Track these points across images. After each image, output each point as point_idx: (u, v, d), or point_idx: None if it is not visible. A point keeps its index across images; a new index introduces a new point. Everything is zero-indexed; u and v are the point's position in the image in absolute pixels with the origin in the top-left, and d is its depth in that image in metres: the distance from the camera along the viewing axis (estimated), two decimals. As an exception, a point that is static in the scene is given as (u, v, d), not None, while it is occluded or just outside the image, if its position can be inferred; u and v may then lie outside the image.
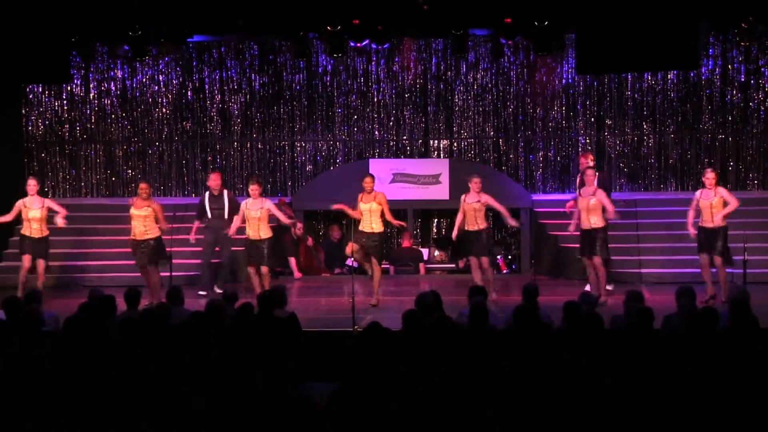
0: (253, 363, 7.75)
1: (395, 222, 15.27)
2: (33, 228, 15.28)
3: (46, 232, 15.41)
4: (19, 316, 9.70)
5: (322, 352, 11.20)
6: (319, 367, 9.96)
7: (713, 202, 14.43)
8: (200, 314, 9.53)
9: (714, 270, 14.59)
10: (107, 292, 10.90)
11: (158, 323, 9.33)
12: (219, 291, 15.39)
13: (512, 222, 15.65)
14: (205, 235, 16.34)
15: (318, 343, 11.59)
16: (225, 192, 16.48)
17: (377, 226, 14.82)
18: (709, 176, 14.62)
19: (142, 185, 15.37)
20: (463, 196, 15.24)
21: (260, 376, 7.23)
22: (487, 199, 15.08)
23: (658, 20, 15.84)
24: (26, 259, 15.24)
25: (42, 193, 20.53)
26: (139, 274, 15.56)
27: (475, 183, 15.12)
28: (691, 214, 14.74)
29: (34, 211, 15.29)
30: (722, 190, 14.70)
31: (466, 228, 15.14)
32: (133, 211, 15.20)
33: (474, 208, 15.03)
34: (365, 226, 14.85)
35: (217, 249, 16.43)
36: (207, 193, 16.46)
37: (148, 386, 7.12)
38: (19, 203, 15.40)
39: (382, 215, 14.84)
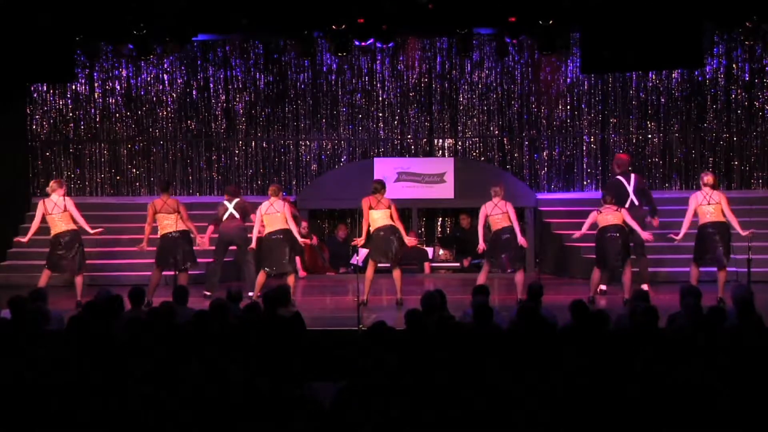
0: (258, 362, 7.77)
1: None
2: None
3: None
4: (25, 315, 9.73)
5: (327, 351, 11.20)
6: (324, 366, 9.96)
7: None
8: (204, 313, 9.56)
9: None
10: (112, 292, 10.93)
11: (164, 322, 9.35)
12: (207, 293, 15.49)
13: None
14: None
15: (322, 342, 11.59)
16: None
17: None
18: (707, 179, 14.74)
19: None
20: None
21: (265, 376, 7.24)
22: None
23: (663, 19, 15.84)
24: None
25: (44, 193, 20.68)
26: (141, 273, 15.56)
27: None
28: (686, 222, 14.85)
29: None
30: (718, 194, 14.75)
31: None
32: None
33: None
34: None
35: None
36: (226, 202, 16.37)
37: (151, 385, 7.14)
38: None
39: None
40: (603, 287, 15.42)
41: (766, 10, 16.85)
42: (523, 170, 20.66)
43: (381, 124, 20.89)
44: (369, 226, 14.79)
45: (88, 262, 17.72)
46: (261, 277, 14.86)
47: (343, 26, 17.19)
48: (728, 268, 15.45)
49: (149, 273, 15.49)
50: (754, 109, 20.18)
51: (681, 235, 14.77)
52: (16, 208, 19.12)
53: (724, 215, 14.61)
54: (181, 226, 15.22)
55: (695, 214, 14.74)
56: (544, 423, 6.53)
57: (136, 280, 15.19)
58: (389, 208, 14.87)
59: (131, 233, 17.26)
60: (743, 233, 14.61)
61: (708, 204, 14.58)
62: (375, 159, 19.85)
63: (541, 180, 20.68)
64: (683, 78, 20.29)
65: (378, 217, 14.82)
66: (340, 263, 19.38)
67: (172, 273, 15.42)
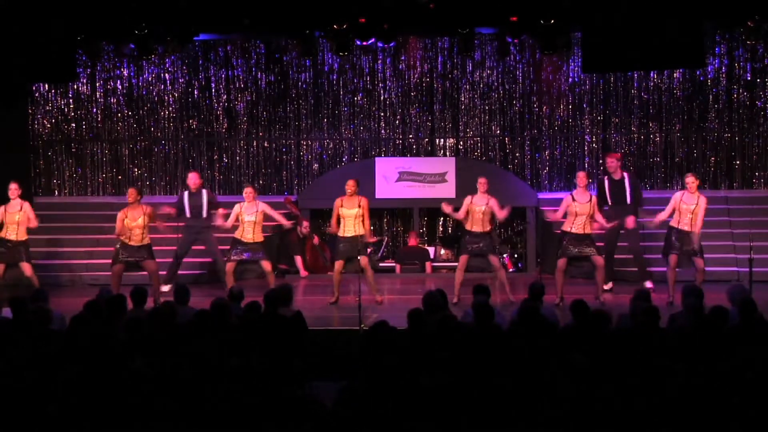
0: (259, 362, 7.76)
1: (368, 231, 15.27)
2: (9, 231, 15.19)
3: (23, 237, 15.25)
4: (27, 315, 9.73)
5: (328, 351, 11.21)
6: (325, 366, 9.96)
7: (693, 208, 14.38)
8: (205, 313, 9.56)
9: (679, 270, 14.64)
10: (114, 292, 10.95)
11: (165, 322, 9.35)
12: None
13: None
14: (184, 233, 16.28)
15: (324, 341, 11.60)
16: (204, 191, 16.40)
17: (361, 229, 14.93)
18: (689, 180, 14.61)
19: (131, 190, 15.34)
20: (469, 198, 15.10)
21: (266, 375, 7.24)
22: (493, 203, 15.00)
23: (664, 18, 15.83)
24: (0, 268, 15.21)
25: (48, 191, 20.67)
26: (143, 273, 15.52)
27: (481, 184, 15.04)
28: (665, 213, 14.67)
29: (15, 215, 15.17)
30: (703, 199, 14.57)
31: (472, 229, 15.03)
32: (130, 223, 15.07)
33: (482, 212, 14.96)
34: (349, 231, 14.89)
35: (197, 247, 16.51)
36: (186, 192, 16.33)
37: (154, 384, 7.14)
38: (1, 209, 15.24)
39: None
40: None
41: (768, 9, 16.87)
42: (525, 170, 20.65)
43: (382, 124, 20.89)
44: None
45: (91, 262, 17.89)
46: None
47: (345, 26, 17.20)
48: (730, 268, 15.57)
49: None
50: (756, 108, 20.16)
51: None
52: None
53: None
54: None
55: (673, 212, 14.65)
56: (545, 423, 6.53)
57: (140, 280, 15.15)
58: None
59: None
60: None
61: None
62: (376, 159, 19.85)
63: (543, 180, 20.67)
64: (685, 78, 20.27)
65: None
66: (341, 263, 19.35)
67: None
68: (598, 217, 14.86)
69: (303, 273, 18.69)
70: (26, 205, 15.33)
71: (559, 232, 15.41)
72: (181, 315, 9.91)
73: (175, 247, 16.11)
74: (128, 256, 15.03)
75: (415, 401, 6.62)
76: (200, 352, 8.06)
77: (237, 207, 15.30)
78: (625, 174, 15.84)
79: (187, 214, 16.14)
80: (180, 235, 16.25)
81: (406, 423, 6.45)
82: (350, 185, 14.83)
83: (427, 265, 19.22)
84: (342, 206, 14.86)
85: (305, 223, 18.74)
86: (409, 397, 6.66)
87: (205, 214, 16.09)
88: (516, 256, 20.02)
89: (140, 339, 8.58)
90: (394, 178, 19.29)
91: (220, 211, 15.56)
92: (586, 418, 6.53)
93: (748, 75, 20.11)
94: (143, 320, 9.19)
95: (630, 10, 15.83)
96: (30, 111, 20.69)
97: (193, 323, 9.41)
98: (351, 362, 8.90)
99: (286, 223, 16.85)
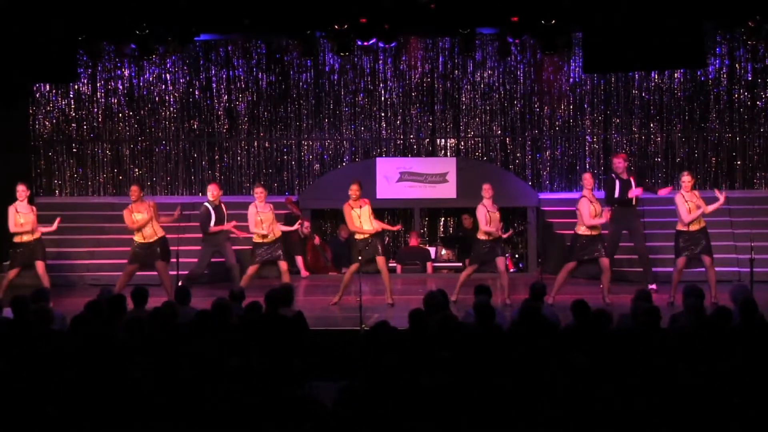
0: (260, 362, 7.76)
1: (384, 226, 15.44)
2: (25, 235, 15.15)
3: (37, 235, 15.27)
4: (27, 315, 9.72)
5: (329, 351, 11.20)
6: (326, 366, 9.96)
7: (697, 203, 14.41)
8: (205, 313, 9.56)
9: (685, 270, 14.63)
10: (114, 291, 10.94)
11: (165, 322, 9.35)
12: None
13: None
14: (204, 247, 16.02)
15: (325, 342, 11.59)
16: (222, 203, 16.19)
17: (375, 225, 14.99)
18: (686, 179, 14.60)
19: (134, 187, 15.35)
20: (483, 208, 14.91)
21: (266, 375, 7.24)
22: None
23: (664, 18, 15.84)
24: (13, 272, 15.18)
25: (49, 192, 20.67)
26: (146, 273, 15.52)
27: (486, 190, 14.98)
28: (683, 214, 14.52)
29: (24, 216, 15.14)
30: (697, 193, 14.62)
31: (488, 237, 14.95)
32: (138, 216, 15.08)
33: (498, 218, 14.96)
34: (366, 227, 14.84)
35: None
36: (209, 205, 15.78)
37: (154, 385, 7.14)
38: (11, 209, 15.19)
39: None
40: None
41: (769, 9, 16.87)
42: (526, 170, 20.66)
43: (383, 124, 20.90)
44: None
45: (92, 262, 17.90)
46: None
47: (345, 26, 17.21)
48: (731, 268, 15.61)
49: (152, 273, 15.44)
50: (757, 109, 20.17)
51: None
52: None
53: None
54: None
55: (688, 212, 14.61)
56: (545, 423, 6.52)
57: (141, 280, 15.14)
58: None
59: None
60: None
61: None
62: (377, 159, 19.86)
63: (544, 180, 20.67)
64: (686, 78, 20.28)
65: None
66: (342, 263, 19.36)
67: (175, 273, 15.44)
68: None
69: (304, 273, 18.69)
70: (33, 209, 15.38)
71: (571, 233, 15.37)
72: (182, 315, 9.91)
73: (179, 244, 16.02)
74: (144, 255, 15.16)
75: (415, 401, 6.63)
76: (200, 352, 8.06)
77: (252, 209, 15.23)
78: (631, 177, 15.83)
79: (211, 229, 15.85)
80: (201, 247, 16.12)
81: (406, 423, 6.46)
82: (354, 190, 14.75)
83: (428, 265, 19.23)
84: (353, 208, 14.78)
85: (306, 224, 18.75)
86: (409, 397, 6.66)
87: (225, 226, 15.94)
88: (517, 256, 20.02)
89: (140, 339, 8.57)
90: (395, 178, 19.31)
91: (234, 223, 15.64)
92: (586, 418, 6.53)
93: (749, 75, 20.13)
94: (144, 320, 9.19)
95: (630, 10, 15.84)
96: (31, 111, 20.70)
97: (194, 323, 9.41)
98: (351, 362, 8.89)
99: (293, 228, 16.75)
